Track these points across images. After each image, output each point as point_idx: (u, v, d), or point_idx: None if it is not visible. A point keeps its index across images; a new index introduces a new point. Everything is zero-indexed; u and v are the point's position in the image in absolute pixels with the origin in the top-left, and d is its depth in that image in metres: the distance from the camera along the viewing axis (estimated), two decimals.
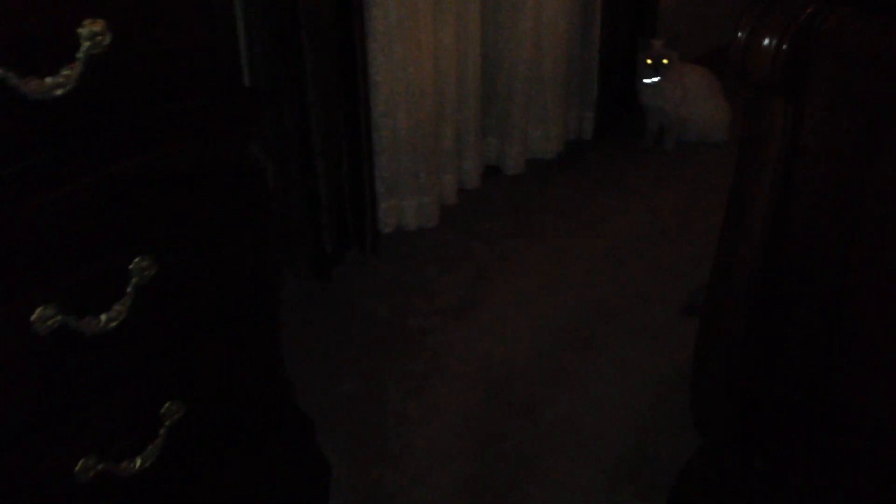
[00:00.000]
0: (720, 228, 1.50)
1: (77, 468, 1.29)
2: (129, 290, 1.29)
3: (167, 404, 1.41)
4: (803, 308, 1.44)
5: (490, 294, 2.63)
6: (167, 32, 1.32)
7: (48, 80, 1.10)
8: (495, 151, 3.08)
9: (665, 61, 3.11)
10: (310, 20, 2.23)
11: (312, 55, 2.27)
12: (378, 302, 2.59)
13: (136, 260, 1.31)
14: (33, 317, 1.17)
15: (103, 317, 1.24)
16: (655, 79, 3.15)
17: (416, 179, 2.70)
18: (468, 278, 2.69)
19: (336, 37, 2.32)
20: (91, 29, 1.12)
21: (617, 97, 3.27)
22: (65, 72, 1.11)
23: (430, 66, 2.59)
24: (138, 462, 1.36)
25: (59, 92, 1.12)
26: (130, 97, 1.29)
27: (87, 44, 1.12)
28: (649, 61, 3.12)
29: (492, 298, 2.62)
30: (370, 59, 2.43)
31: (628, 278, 2.69)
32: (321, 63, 2.30)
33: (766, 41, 1.23)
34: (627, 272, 2.72)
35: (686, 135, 3.37)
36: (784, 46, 1.21)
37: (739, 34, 1.26)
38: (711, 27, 3.87)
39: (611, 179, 3.18)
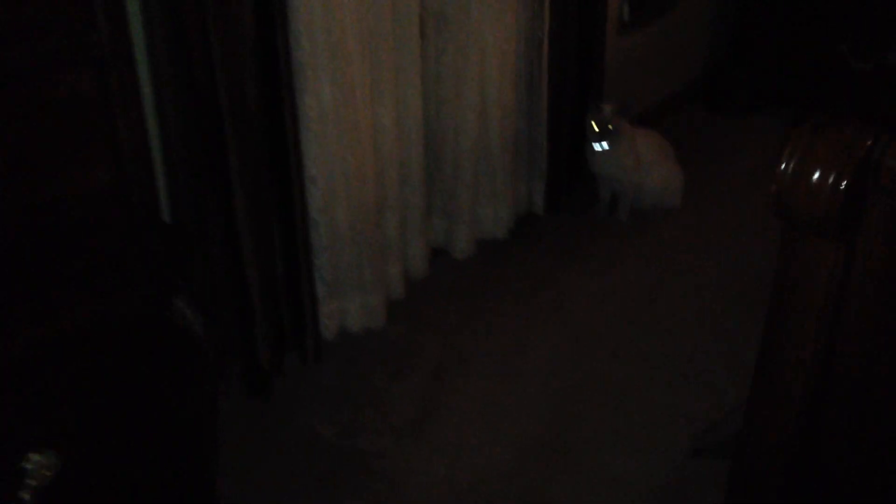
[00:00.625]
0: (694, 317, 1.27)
1: None
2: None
3: None
4: (850, 461, 1.21)
5: (449, 402, 2.35)
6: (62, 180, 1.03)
7: None
8: (442, 233, 2.82)
9: (611, 126, 2.91)
10: (234, 114, 1.94)
11: (238, 153, 1.98)
12: (323, 419, 2.29)
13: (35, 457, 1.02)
14: None
15: None
16: (604, 145, 2.94)
17: (360, 276, 2.42)
18: (423, 384, 2.41)
19: (264, 131, 2.04)
20: None
21: (567, 166, 3.06)
22: None
23: (370, 151, 2.32)
24: None
25: None
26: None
27: None
28: (596, 127, 2.91)
29: (451, 407, 2.34)
30: (304, 151, 2.15)
31: (596, 371, 2.45)
32: (248, 162, 2.01)
33: (819, 176, 1.00)
34: (594, 363, 2.48)
35: (640, 202, 3.17)
36: (843, 184, 0.98)
37: (783, 165, 1.02)
38: (652, 83, 3.73)
39: (567, 256, 2.95)
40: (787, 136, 1.04)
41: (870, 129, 1.00)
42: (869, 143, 0.98)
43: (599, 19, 2.98)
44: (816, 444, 1.25)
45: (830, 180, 0.98)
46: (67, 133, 1.10)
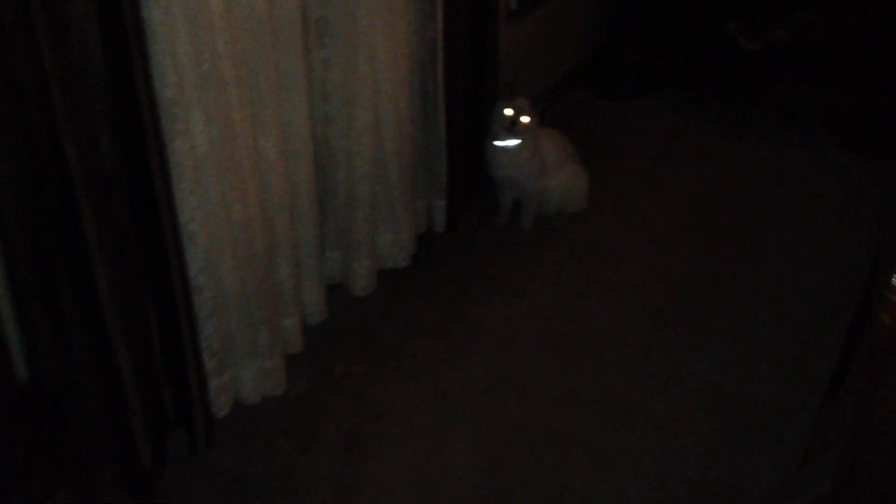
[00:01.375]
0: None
1: None
2: None
3: None
4: None
5: (368, 473, 2.04)
6: None
7: None
8: (339, 268, 2.48)
9: (524, 119, 2.63)
10: (87, 173, 1.53)
11: (95, 220, 1.57)
12: None
13: None
14: None
15: None
16: (513, 142, 2.66)
17: (254, 339, 2.05)
18: (336, 455, 2.08)
19: (126, 190, 1.63)
20: None
21: (466, 177, 2.76)
22: None
23: (256, 191, 1.94)
24: None
25: None
26: None
27: None
28: (509, 112, 2.61)
29: (371, 480, 2.03)
30: (179, 206, 1.76)
31: (528, 415, 2.19)
32: (109, 229, 1.61)
33: None
34: (524, 406, 2.22)
35: (544, 206, 2.92)
36: None
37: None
38: (539, 72, 3.47)
39: (475, 279, 2.66)
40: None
41: None
42: None
43: (491, 11, 2.68)
44: None
45: None
46: None
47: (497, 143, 2.70)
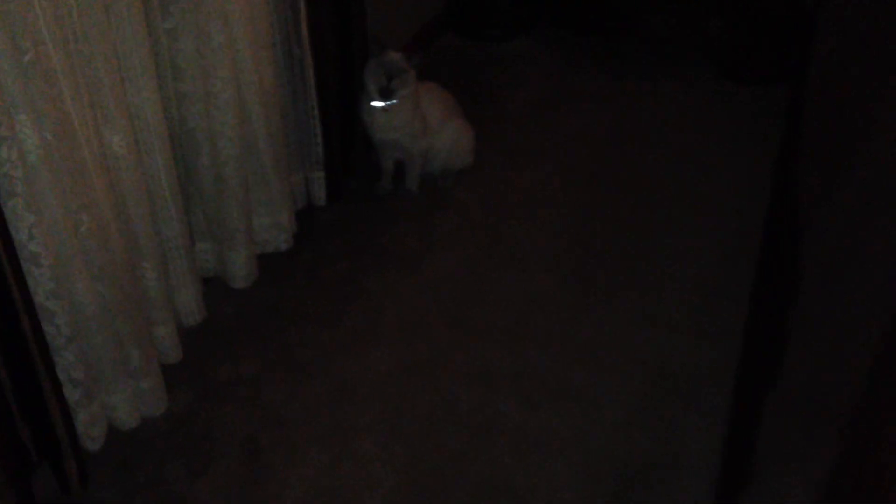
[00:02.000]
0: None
1: None
2: None
3: None
4: None
5: (273, 495, 1.84)
6: None
7: None
8: (214, 259, 2.23)
9: (397, 81, 2.41)
10: None
11: None
12: None
13: None
14: None
15: None
16: (389, 102, 2.43)
17: (123, 359, 1.80)
18: (234, 474, 1.87)
19: None
20: None
21: (343, 144, 2.53)
22: None
23: (107, 194, 1.67)
24: None
25: None
26: None
27: None
28: (381, 71, 2.38)
29: (277, 501, 1.83)
30: (14, 224, 1.47)
31: (439, 403, 2.02)
32: None
33: None
34: (433, 394, 2.04)
35: (429, 166, 2.73)
36: None
37: None
38: (403, 17, 3.24)
39: (365, 253, 2.46)
40: None
41: None
42: None
43: None
44: None
45: None
46: None
47: (374, 104, 2.47)
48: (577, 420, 1.99)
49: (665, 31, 3.33)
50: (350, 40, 2.49)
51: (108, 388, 1.80)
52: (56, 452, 1.70)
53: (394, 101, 2.44)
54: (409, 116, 2.52)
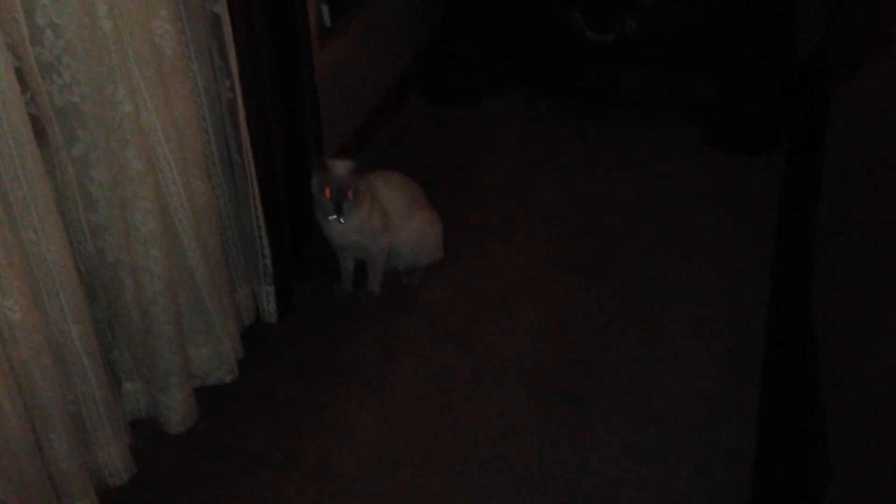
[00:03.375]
0: None
1: None
2: None
3: None
4: None
5: None
6: None
7: None
8: (144, 401, 1.95)
9: (350, 193, 2.15)
10: None
11: None
12: None
13: None
14: None
15: None
16: (343, 218, 2.18)
17: None
18: None
19: None
20: None
21: (294, 251, 2.26)
22: None
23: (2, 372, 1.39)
24: None
25: None
26: None
27: None
28: (328, 194, 2.14)
29: None
30: None
31: None
32: None
33: None
34: None
35: (393, 262, 2.47)
36: None
37: None
38: (365, 87, 2.98)
39: (320, 376, 2.18)
40: None
41: None
42: None
43: (301, 44, 2.15)
44: None
45: None
46: None
47: (329, 218, 2.21)
48: None
49: (647, 95, 3.07)
50: (301, 135, 2.22)
51: None
52: None
53: (346, 214, 2.19)
54: (367, 216, 2.26)
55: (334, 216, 2.17)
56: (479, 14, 3.16)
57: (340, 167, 2.16)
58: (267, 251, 2.11)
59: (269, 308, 2.20)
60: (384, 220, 2.33)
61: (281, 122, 2.08)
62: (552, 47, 3.09)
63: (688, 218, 2.68)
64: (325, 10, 2.52)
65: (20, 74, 1.43)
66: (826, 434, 1.26)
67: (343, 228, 2.24)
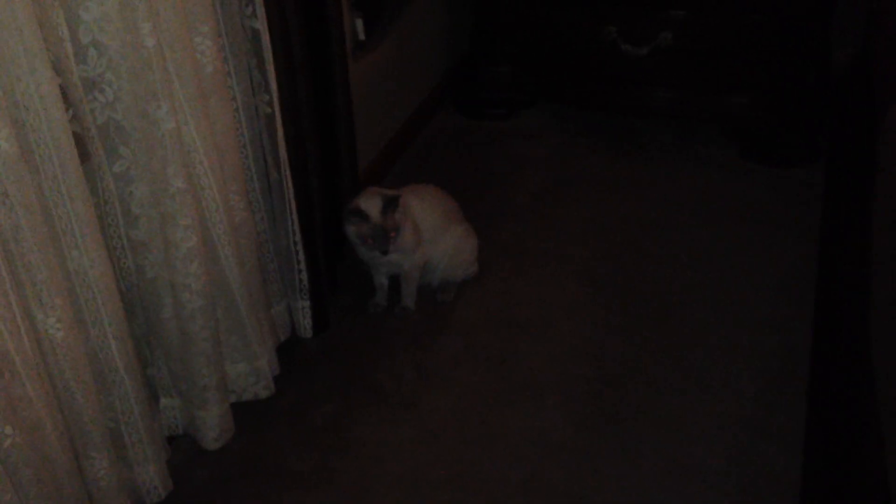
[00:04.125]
0: None
1: None
2: None
3: None
4: None
5: None
6: None
7: None
8: (181, 417, 1.94)
9: (393, 234, 2.17)
10: None
11: None
12: None
13: None
14: None
15: None
16: (387, 256, 2.21)
17: None
18: None
19: None
20: None
21: (328, 267, 2.25)
22: None
23: (38, 391, 1.38)
24: None
25: None
26: None
27: None
28: (370, 243, 2.16)
29: None
30: None
31: None
32: None
33: None
34: None
35: (427, 277, 2.45)
36: None
37: None
38: (399, 101, 2.98)
39: (355, 393, 2.16)
40: None
41: None
42: None
43: (337, 57, 2.14)
44: None
45: None
46: None
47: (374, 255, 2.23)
48: None
49: (682, 108, 3.04)
50: (337, 151, 2.21)
51: None
52: None
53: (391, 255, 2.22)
54: (402, 237, 2.24)
55: (378, 254, 2.18)
56: (510, 28, 3.14)
57: (374, 209, 2.14)
58: (303, 266, 2.10)
59: (305, 323, 2.19)
60: (417, 236, 2.31)
61: (316, 136, 2.08)
62: (585, 61, 3.07)
63: (725, 235, 2.64)
64: (359, 24, 2.51)
65: (63, 91, 1.43)
66: (885, 462, 1.23)
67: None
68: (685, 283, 2.47)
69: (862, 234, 1.75)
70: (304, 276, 2.11)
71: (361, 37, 2.55)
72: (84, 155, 1.54)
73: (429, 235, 2.36)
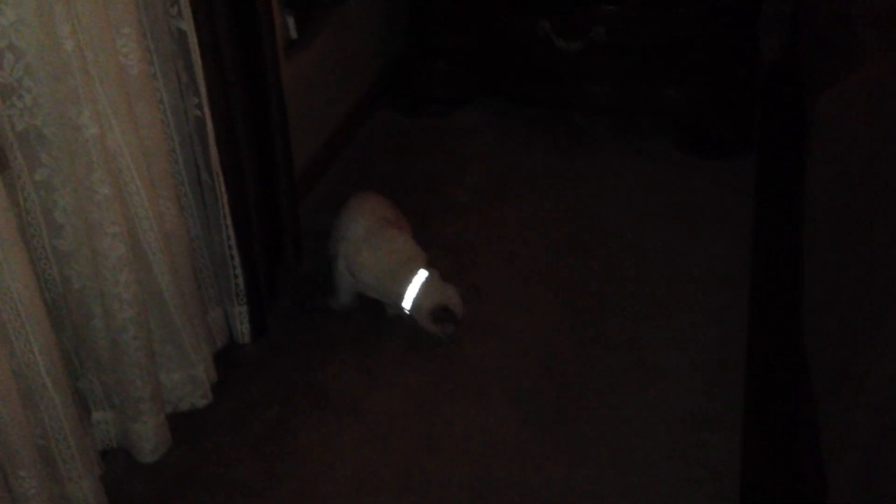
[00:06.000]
0: None
1: None
2: None
3: None
4: None
5: None
6: None
7: None
8: (115, 430, 1.88)
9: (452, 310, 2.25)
10: None
11: None
12: None
13: None
14: None
15: None
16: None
17: None
18: None
19: None
20: None
21: (267, 270, 2.21)
22: None
23: None
24: None
25: None
26: None
27: None
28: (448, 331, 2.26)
29: None
30: None
31: None
32: None
33: None
34: None
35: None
36: None
37: None
38: (333, 100, 2.94)
39: (297, 398, 2.13)
40: None
41: None
42: None
43: (268, 57, 2.10)
44: None
45: None
46: None
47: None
48: None
49: (615, 101, 3.07)
50: (272, 151, 2.17)
51: None
52: None
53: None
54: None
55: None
56: (445, 24, 3.13)
57: (459, 307, 2.23)
58: (239, 271, 2.06)
59: (243, 329, 2.15)
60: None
61: (250, 138, 2.04)
62: (520, 57, 3.07)
63: (663, 227, 2.66)
64: (290, 21, 2.47)
65: None
66: (820, 448, 1.25)
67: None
68: (626, 276, 2.48)
69: (793, 223, 1.78)
70: (241, 280, 2.07)
71: (294, 35, 2.51)
72: (2, 163, 1.49)
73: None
